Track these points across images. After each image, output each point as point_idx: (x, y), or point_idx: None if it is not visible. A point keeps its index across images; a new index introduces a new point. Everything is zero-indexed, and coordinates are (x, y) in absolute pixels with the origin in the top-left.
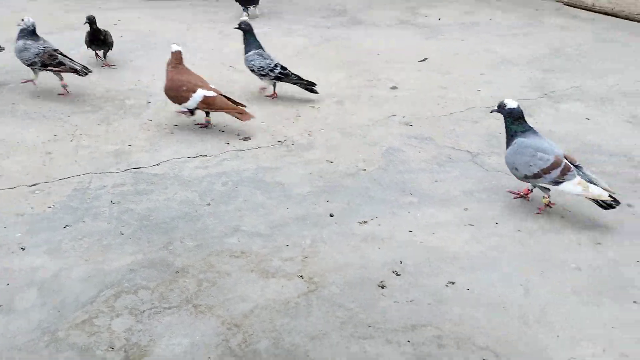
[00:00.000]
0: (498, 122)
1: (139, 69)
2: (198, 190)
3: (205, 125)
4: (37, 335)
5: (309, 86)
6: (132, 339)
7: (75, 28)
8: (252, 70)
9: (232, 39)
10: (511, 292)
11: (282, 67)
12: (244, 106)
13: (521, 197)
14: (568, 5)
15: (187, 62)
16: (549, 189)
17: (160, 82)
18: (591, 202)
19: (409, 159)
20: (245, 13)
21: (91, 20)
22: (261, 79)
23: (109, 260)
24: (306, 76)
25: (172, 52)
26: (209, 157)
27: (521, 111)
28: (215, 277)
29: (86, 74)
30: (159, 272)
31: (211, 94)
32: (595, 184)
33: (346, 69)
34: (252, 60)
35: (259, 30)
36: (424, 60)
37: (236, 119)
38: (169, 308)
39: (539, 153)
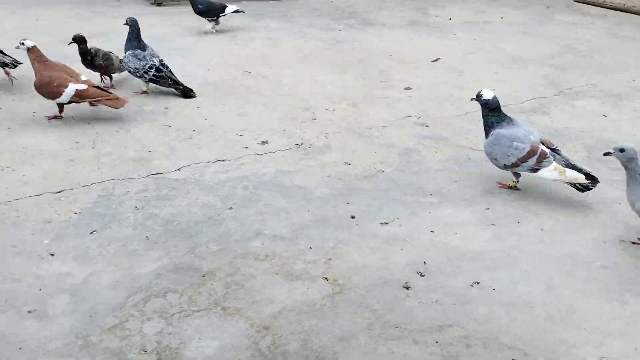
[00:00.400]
0: None
1: None
2: (219, 195)
3: (55, 117)
4: (70, 340)
5: (186, 91)
6: (163, 342)
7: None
8: (129, 72)
9: (244, 44)
10: (535, 291)
11: (158, 70)
12: (116, 97)
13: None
14: (578, 2)
15: (202, 66)
16: (519, 175)
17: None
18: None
19: (426, 159)
20: (213, 24)
21: (76, 40)
22: (139, 79)
23: (137, 266)
24: (319, 79)
25: (29, 48)
26: (228, 161)
27: (497, 102)
28: (242, 280)
29: (16, 65)
30: (186, 276)
31: (83, 86)
32: (573, 166)
33: (359, 70)
34: (127, 62)
35: (270, 35)
36: (436, 60)
37: (111, 107)
38: (198, 311)
39: (514, 143)
